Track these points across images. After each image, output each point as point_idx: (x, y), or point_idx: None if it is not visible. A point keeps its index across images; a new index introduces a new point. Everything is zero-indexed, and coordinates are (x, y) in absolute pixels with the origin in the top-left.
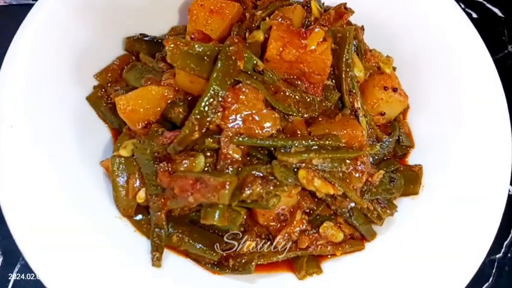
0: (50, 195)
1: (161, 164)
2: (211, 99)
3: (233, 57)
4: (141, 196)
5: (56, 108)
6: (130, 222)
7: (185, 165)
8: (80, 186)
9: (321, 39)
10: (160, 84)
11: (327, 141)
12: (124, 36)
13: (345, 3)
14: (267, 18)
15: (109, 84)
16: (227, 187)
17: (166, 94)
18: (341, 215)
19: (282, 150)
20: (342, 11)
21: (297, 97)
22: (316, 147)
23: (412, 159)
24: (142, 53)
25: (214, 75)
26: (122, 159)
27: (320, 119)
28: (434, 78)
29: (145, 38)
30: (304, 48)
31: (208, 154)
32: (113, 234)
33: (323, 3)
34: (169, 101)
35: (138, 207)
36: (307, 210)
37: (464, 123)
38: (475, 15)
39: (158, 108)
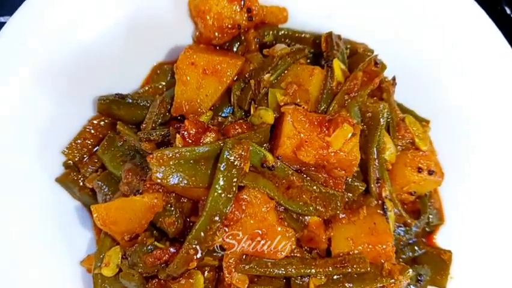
0: None
1: (151, 283)
2: (211, 224)
3: (237, 164)
4: None
5: (20, 195)
6: None
7: (181, 283)
8: None
9: (348, 137)
10: (145, 185)
11: (352, 268)
12: (96, 96)
13: (376, 56)
14: (277, 94)
15: (85, 158)
16: None
17: (153, 204)
18: None
19: (298, 282)
20: (372, 71)
21: (314, 192)
22: (339, 275)
23: (441, 236)
24: (121, 125)
25: (215, 194)
26: (105, 277)
27: (341, 215)
28: (476, 136)
29: (126, 100)
30: (326, 149)
31: (207, 270)
32: None
33: (347, 50)
34: (158, 211)
35: None
36: None
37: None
38: None
39: (144, 222)
